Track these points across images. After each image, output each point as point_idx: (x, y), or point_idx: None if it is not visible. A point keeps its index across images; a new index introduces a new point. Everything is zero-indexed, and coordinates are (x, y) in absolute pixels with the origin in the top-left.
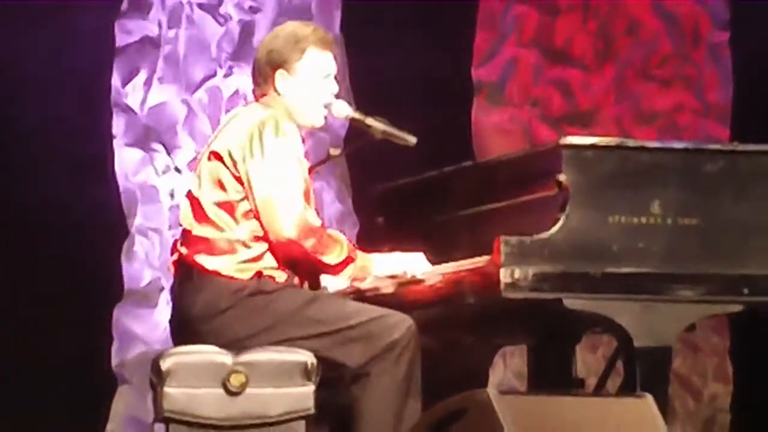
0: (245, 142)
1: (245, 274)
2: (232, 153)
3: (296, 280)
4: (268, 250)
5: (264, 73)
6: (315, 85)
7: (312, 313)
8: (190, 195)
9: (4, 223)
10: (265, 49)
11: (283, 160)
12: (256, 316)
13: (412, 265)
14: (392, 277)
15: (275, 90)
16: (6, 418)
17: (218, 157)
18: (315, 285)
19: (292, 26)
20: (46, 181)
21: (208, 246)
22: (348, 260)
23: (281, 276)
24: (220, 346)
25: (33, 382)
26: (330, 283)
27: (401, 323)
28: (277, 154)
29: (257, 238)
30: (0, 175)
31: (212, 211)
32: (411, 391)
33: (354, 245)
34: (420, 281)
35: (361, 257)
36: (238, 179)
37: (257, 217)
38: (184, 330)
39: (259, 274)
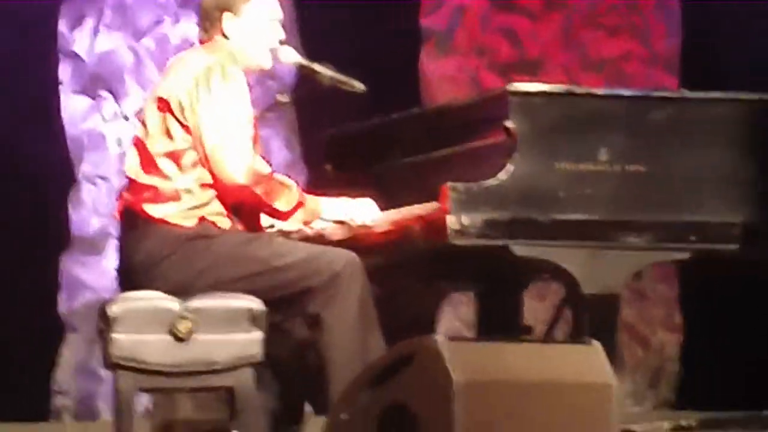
0: (192, 89)
1: (190, 221)
2: (180, 100)
3: (240, 226)
4: (215, 197)
5: (211, 17)
6: (261, 27)
7: (250, 251)
8: (136, 142)
9: None
10: None
11: (231, 105)
12: (197, 259)
13: (361, 211)
14: (340, 222)
15: (222, 33)
16: None
17: (165, 104)
18: (258, 230)
19: None
20: None
21: (154, 194)
22: (297, 205)
23: (225, 222)
24: (166, 292)
25: None
26: (279, 227)
27: (341, 257)
28: (224, 100)
29: (204, 186)
30: None
31: (159, 161)
32: (368, 325)
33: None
34: (368, 228)
35: (311, 200)
36: (186, 127)
37: (205, 165)
38: (130, 277)
39: (202, 219)
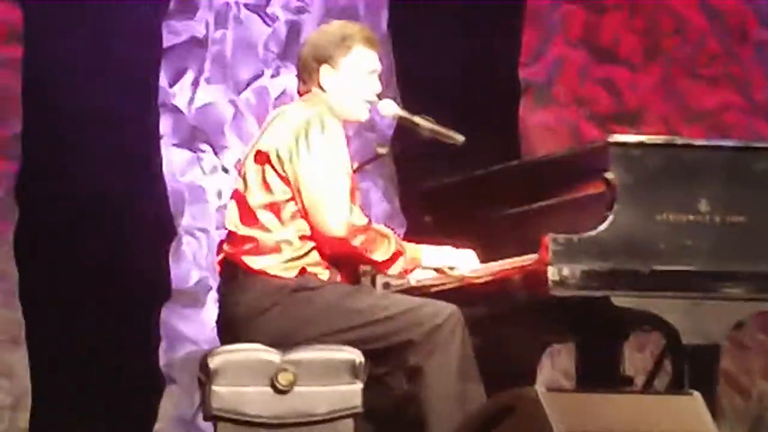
0: (292, 142)
1: (290, 272)
2: (279, 152)
3: (339, 277)
4: (314, 248)
5: (309, 68)
6: (359, 81)
7: (352, 304)
8: (236, 196)
9: (55, 222)
10: (311, 45)
11: (329, 157)
12: (298, 311)
13: (462, 260)
14: (440, 271)
15: (319, 86)
16: (57, 419)
17: (265, 156)
18: (357, 281)
19: (338, 24)
20: (97, 180)
21: (255, 246)
22: (396, 254)
23: (324, 273)
24: (267, 343)
25: (83, 382)
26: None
27: (442, 310)
28: (322, 152)
29: (303, 237)
30: (51, 173)
31: (259, 213)
32: (468, 375)
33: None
34: (468, 279)
35: (410, 248)
36: (285, 179)
37: (304, 217)
38: (230, 329)
39: (302, 271)
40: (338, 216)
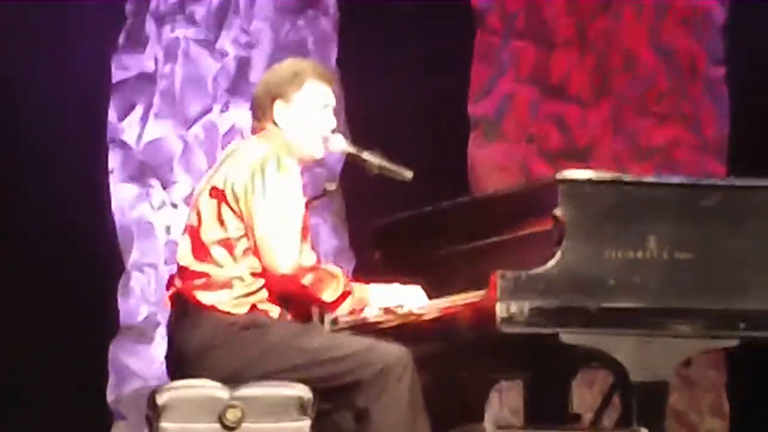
0: (247, 179)
1: (241, 308)
2: (234, 189)
3: (289, 315)
4: (265, 285)
5: (263, 105)
6: (313, 116)
7: (302, 344)
8: (189, 231)
9: (1, 256)
10: (263, 83)
11: (284, 198)
12: (248, 349)
13: (410, 298)
14: (388, 310)
15: (273, 122)
16: None
17: (220, 192)
18: (307, 319)
19: (290, 61)
20: (43, 215)
21: (206, 281)
22: (344, 295)
23: (275, 310)
24: (216, 380)
25: (29, 418)
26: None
27: (392, 352)
28: (277, 192)
29: (255, 274)
30: None
31: (212, 249)
32: (415, 417)
33: (350, 277)
34: (416, 315)
35: (358, 288)
36: (239, 216)
37: (256, 254)
38: (179, 365)
39: (253, 307)
40: (287, 256)
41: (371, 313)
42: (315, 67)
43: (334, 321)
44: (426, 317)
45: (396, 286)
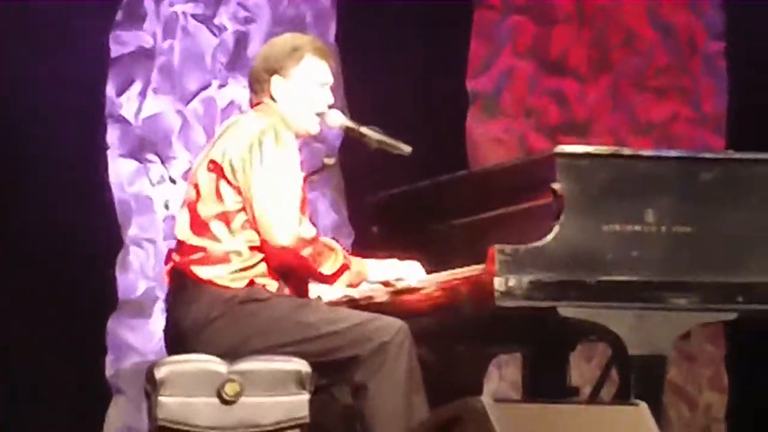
0: (245, 152)
1: (239, 282)
2: (232, 162)
3: (287, 289)
4: (263, 259)
5: (260, 79)
6: (310, 92)
7: (301, 318)
8: (187, 205)
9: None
10: (262, 57)
11: (282, 170)
12: (246, 323)
13: (408, 272)
14: (386, 283)
15: (271, 96)
16: (2, 430)
17: (218, 166)
18: (305, 294)
19: (289, 35)
20: (41, 190)
21: (204, 256)
22: (342, 268)
23: (273, 285)
24: (214, 354)
25: (28, 393)
26: (324, 292)
27: (391, 326)
28: (276, 165)
29: (253, 248)
30: None
31: (210, 223)
32: (413, 392)
33: (349, 252)
34: (414, 290)
35: (356, 263)
36: (237, 189)
37: (254, 227)
38: (178, 339)
39: (251, 282)
40: (287, 227)
41: (369, 288)
42: (313, 42)
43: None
44: (424, 291)
45: (394, 261)
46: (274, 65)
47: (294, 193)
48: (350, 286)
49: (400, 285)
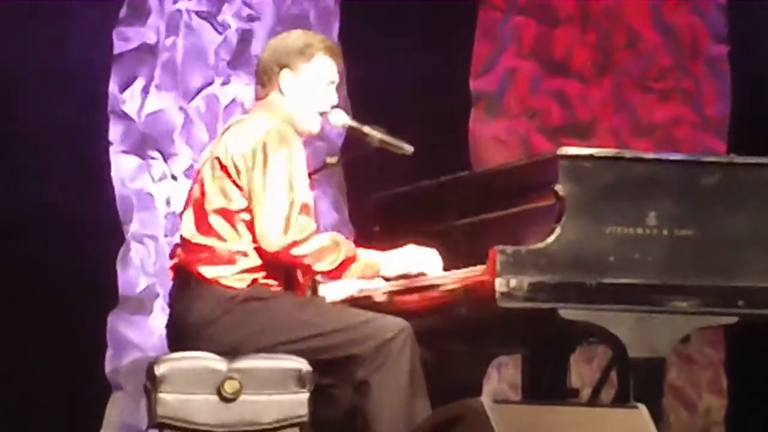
0: (249, 153)
1: (242, 282)
2: (236, 162)
3: (291, 289)
4: (266, 260)
5: (269, 72)
6: (317, 91)
7: (303, 316)
8: (192, 202)
9: (1, 227)
10: (271, 49)
11: (282, 177)
12: (249, 321)
13: (426, 264)
14: (404, 276)
15: (279, 90)
16: (1, 425)
17: (222, 165)
18: (314, 291)
19: (301, 32)
20: (42, 186)
21: (209, 255)
22: (347, 262)
23: (276, 285)
24: (216, 352)
25: (27, 389)
26: (331, 289)
27: (393, 325)
28: (278, 167)
29: (257, 249)
30: None
31: (215, 222)
32: (415, 392)
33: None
34: (433, 286)
35: (366, 254)
36: (241, 189)
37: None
38: (180, 336)
39: (254, 281)
40: (276, 235)
41: (374, 286)
42: (325, 41)
43: (314, 291)
44: (443, 288)
45: (411, 248)
46: (285, 59)
47: (291, 198)
48: (362, 278)
49: (420, 282)
